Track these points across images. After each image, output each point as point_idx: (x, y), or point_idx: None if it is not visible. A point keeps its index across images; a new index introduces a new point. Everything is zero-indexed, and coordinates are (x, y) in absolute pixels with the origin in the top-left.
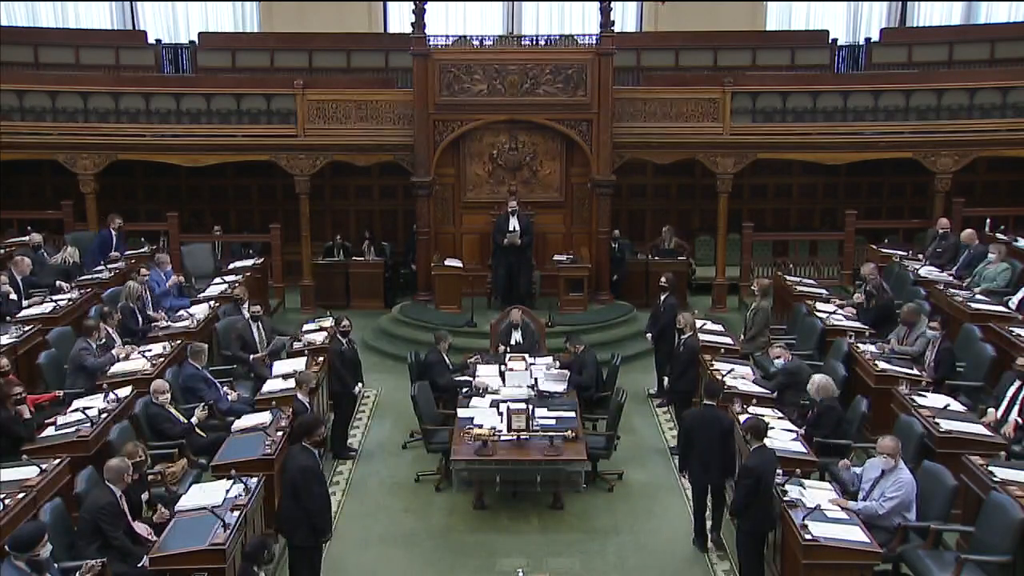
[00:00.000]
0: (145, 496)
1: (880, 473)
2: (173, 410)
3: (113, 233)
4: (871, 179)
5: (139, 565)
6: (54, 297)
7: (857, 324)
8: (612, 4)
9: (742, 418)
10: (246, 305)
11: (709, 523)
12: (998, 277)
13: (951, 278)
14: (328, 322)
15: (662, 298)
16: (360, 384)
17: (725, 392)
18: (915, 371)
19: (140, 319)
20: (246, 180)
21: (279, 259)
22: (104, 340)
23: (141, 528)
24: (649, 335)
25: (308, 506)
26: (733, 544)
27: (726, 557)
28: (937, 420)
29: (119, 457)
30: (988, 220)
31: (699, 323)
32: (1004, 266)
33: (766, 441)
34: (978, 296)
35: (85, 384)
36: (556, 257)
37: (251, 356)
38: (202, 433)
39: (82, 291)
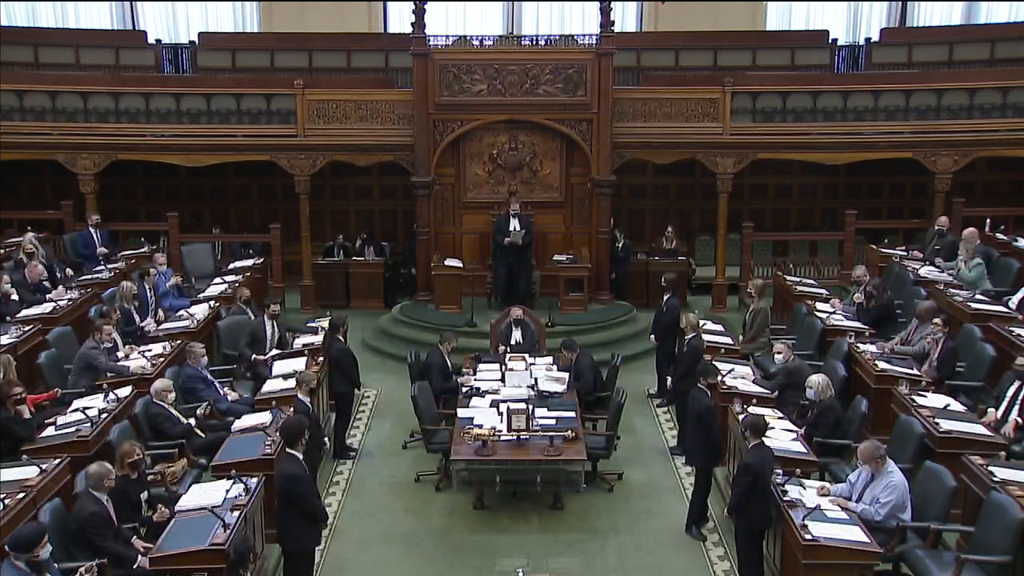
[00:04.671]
0: (145, 496)
1: (870, 476)
2: (174, 410)
3: (93, 231)
4: (871, 179)
5: (135, 567)
6: (54, 297)
7: (857, 324)
8: (612, 4)
9: (741, 417)
10: (264, 305)
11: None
12: (976, 280)
13: (951, 278)
14: (326, 322)
15: (664, 298)
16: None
17: (724, 392)
18: (915, 371)
19: (137, 319)
20: (246, 180)
21: (279, 259)
22: (110, 343)
23: (136, 543)
24: (652, 336)
25: (300, 511)
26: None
27: (726, 557)
28: (937, 420)
29: (98, 462)
30: (988, 220)
31: (700, 323)
32: (976, 262)
33: (765, 440)
34: (978, 296)
35: (88, 383)
36: (556, 257)
37: (252, 356)
38: (202, 433)
39: (82, 291)
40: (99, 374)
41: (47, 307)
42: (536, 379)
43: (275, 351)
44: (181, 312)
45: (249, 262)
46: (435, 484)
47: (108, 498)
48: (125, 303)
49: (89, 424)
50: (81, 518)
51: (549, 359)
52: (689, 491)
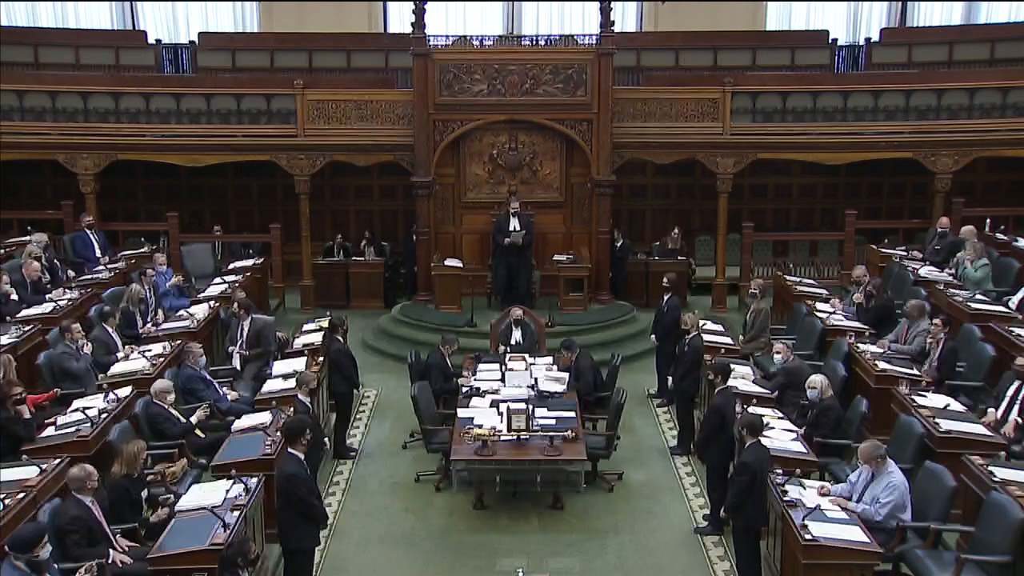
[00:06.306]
0: (144, 493)
1: (870, 476)
2: (174, 411)
3: (89, 232)
4: (871, 179)
5: (108, 561)
6: (54, 297)
7: (857, 324)
8: (612, 4)
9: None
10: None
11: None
12: (981, 281)
13: (951, 277)
14: (327, 322)
15: (665, 298)
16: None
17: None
18: (915, 371)
19: (140, 322)
20: (246, 180)
21: (279, 259)
22: (80, 342)
23: (119, 548)
24: (653, 336)
25: (300, 510)
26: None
27: (726, 557)
28: (937, 420)
29: (78, 465)
30: (988, 220)
31: (700, 323)
32: (983, 262)
33: (765, 440)
34: (978, 296)
35: (72, 387)
36: (556, 257)
37: (229, 348)
38: (201, 434)
39: (82, 291)
40: (77, 379)
41: (47, 307)
42: (536, 379)
43: (238, 343)
44: (181, 312)
45: (249, 262)
46: (435, 484)
47: (93, 500)
48: (131, 306)
49: (89, 424)
50: (63, 522)
51: (549, 359)
52: (689, 491)
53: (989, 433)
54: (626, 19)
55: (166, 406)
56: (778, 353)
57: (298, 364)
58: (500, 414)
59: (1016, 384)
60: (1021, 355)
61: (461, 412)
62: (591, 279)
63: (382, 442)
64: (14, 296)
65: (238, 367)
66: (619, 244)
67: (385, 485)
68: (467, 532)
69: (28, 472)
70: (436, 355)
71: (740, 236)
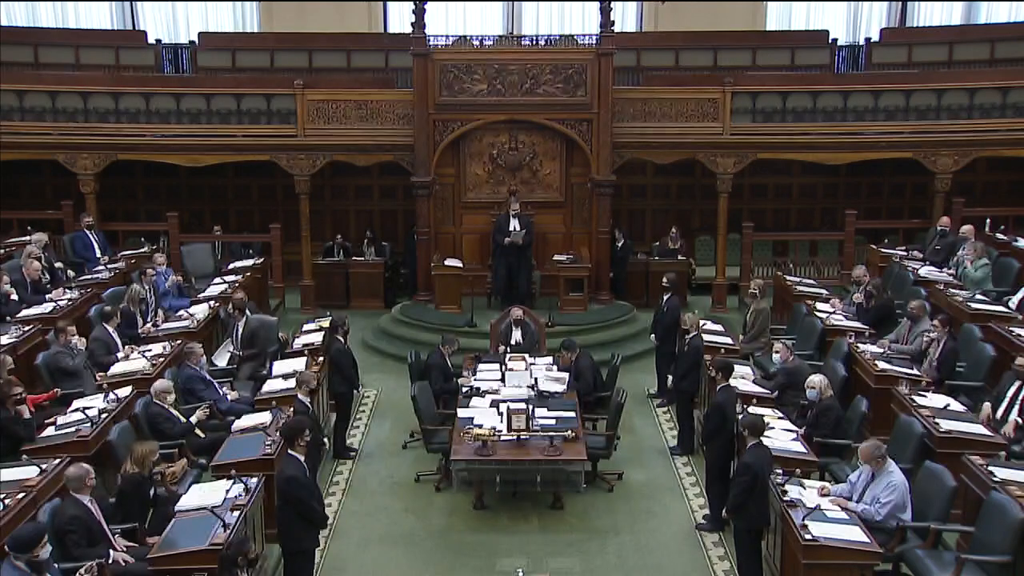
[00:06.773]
0: (152, 492)
1: (870, 476)
2: (174, 410)
3: (88, 232)
4: (871, 179)
5: (109, 561)
6: (54, 297)
7: (857, 324)
8: (612, 4)
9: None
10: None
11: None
12: (981, 280)
13: (951, 277)
14: (327, 322)
15: (664, 298)
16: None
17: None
18: (915, 371)
19: (140, 322)
20: (246, 180)
21: (279, 259)
22: (73, 341)
23: (118, 547)
24: (653, 336)
25: (299, 513)
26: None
27: (726, 557)
28: (937, 420)
29: (76, 464)
30: (988, 220)
31: (700, 323)
32: (983, 262)
33: (765, 440)
34: (978, 296)
35: (70, 385)
36: (556, 257)
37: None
38: (201, 434)
39: (82, 291)
40: (74, 375)
41: (47, 307)
42: (536, 379)
43: (230, 343)
44: (181, 312)
45: (249, 262)
46: (435, 484)
47: (92, 499)
48: (131, 306)
49: (89, 424)
50: (61, 522)
51: (549, 359)
52: (689, 491)
53: (989, 433)
54: (626, 19)
55: (166, 406)
56: (778, 353)
57: (298, 364)
58: (500, 414)
59: (1016, 384)
60: (1021, 355)
61: (461, 412)
62: (591, 279)
63: (382, 442)
64: (14, 296)
65: (223, 365)
66: (620, 244)
67: (385, 485)
68: (467, 532)
69: (28, 472)
70: (436, 355)
71: (740, 236)
